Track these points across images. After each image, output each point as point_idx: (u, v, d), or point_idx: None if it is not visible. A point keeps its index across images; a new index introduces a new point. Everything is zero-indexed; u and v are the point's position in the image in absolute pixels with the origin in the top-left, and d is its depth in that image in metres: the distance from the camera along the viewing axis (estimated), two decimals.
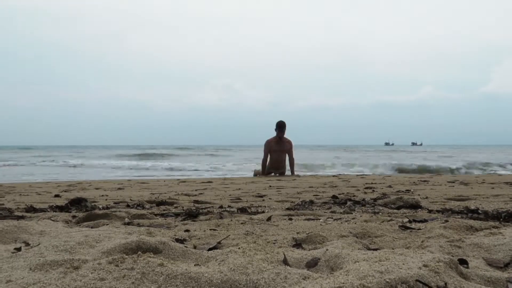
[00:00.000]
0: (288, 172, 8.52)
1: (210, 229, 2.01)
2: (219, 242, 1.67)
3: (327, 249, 1.37)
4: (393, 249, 1.43)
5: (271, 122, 8.43)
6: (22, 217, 2.42)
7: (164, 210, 2.93)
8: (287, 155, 8.44)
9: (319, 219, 2.32)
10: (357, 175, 8.68)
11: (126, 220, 2.35)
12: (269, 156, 8.35)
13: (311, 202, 3.29)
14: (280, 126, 8.26)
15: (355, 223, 2.10)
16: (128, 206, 3.15)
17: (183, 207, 3.13)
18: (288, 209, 2.89)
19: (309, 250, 1.52)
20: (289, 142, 8.41)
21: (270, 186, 5.37)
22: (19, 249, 1.44)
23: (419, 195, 3.84)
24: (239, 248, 1.38)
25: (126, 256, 1.19)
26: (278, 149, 8.30)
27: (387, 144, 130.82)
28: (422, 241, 1.63)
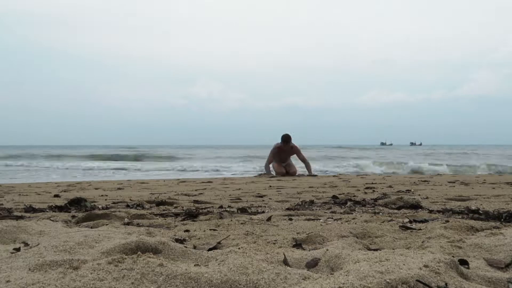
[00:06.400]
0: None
1: (210, 229, 2.00)
2: (219, 242, 1.67)
3: (327, 250, 1.37)
4: (393, 249, 1.43)
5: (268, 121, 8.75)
6: (21, 217, 2.42)
7: (164, 210, 2.93)
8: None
9: (319, 219, 2.32)
10: (357, 175, 8.68)
11: (126, 220, 2.34)
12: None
13: (311, 202, 3.29)
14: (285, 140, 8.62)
15: (356, 224, 2.10)
16: (127, 206, 3.14)
17: (183, 207, 3.13)
18: (288, 209, 2.88)
19: (309, 250, 1.52)
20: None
21: (270, 186, 5.36)
22: (18, 249, 1.43)
23: (419, 195, 3.83)
24: (239, 248, 1.38)
25: (126, 257, 1.18)
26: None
27: (383, 144, 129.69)
28: (423, 242, 1.62)
